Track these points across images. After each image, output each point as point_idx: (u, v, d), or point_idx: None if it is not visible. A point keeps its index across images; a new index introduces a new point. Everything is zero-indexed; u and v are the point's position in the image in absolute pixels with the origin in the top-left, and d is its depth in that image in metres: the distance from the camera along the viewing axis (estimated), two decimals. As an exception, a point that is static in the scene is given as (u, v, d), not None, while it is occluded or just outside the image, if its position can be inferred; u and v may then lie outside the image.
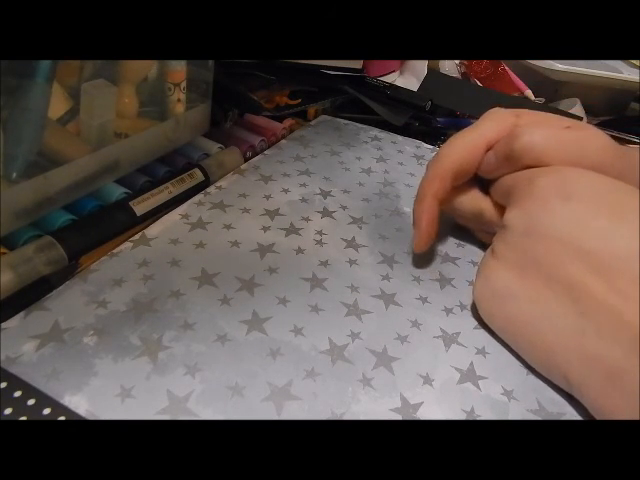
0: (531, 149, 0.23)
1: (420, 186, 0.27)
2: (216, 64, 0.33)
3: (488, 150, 0.25)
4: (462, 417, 0.19)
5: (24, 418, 0.17)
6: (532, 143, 0.23)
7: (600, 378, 0.18)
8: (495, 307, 0.22)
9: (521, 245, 0.21)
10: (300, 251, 0.27)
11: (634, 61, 0.55)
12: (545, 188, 0.21)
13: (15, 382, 0.18)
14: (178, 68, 0.30)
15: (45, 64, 0.22)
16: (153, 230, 0.27)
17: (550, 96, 0.54)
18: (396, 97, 0.44)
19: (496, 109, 0.27)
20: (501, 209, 0.25)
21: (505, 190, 0.24)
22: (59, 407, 0.18)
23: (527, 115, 0.25)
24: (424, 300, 0.25)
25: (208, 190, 0.31)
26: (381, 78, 0.48)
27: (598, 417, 0.19)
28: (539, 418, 0.20)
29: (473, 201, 0.27)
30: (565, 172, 0.22)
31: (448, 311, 0.24)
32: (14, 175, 0.23)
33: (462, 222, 0.29)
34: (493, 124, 0.26)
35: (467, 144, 0.26)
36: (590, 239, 0.19)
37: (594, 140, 0.23)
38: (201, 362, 0.20)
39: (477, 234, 0.29)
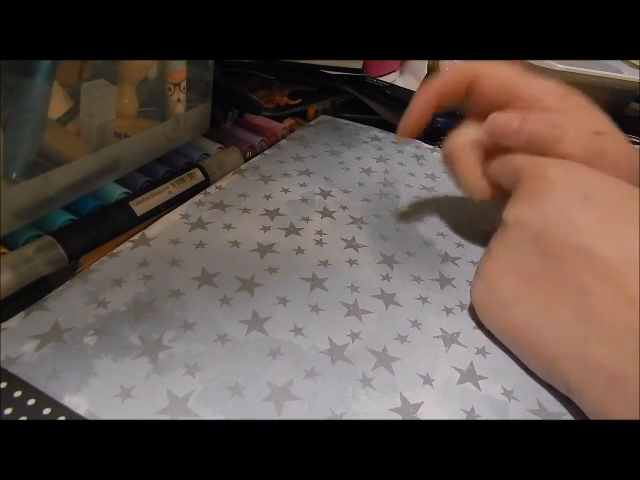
0: (557, 146, 0.22)
1: (432, 81, 0.27)
2: (216, 64, 0.34)
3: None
4: (462, 417, 0.19)
5: (24, 418, 0.17)
6: (562, 141, 0.22)
7: (602, 384, 0.18)
8: (497, 313, 0.22)
9: (531, 248, 0.21)
10: (300, 251, 0.27)
11: (634, 61, 0.54)
12: (559, 188, 0.21)
13: (15, 382, 0.18)
14: (178, 68, 0.30)
15: (45, 64, 0.22)
16: (153, 230, 0.27)
17: (550, 96, 0.53)
18: (396, 97, 0.44)
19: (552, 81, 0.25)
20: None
21: (511, 173, 0.23)
22: (59, 407, 0.18)
23: (572, 100, 0.24)
24: (424, 300, 0.25)
25: (208, 190, 0.31)
26: (381, 78, 0.48)
27: None
28: (539, 418, 0.20)
29: (475, 179, 0.26)
30: (580, 172, 0.21)
31: (448, 311, 0.24)
32: (14, 175, 0.23)
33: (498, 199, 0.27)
34: (539, 87, 0.25)
35: (505, 75, 0.25)
36: (605, 246, 0.19)
37: (614, 154, 0.23)
38: (201, 362, 0.20)
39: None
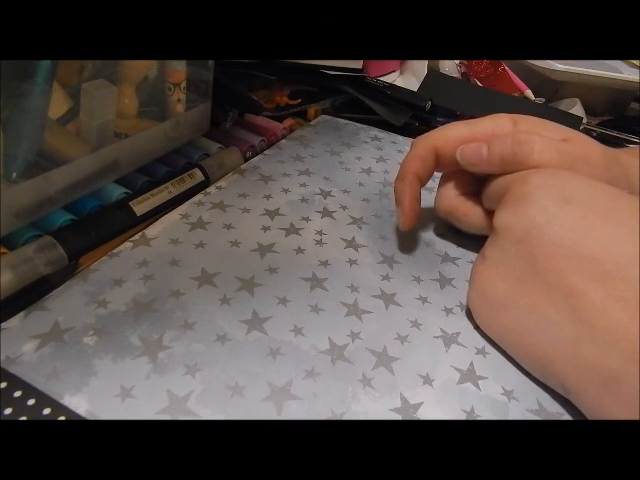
0: (530, 157, 0.23)
1: (402, 163, 0.27)
2: (216, 64, 0.33)
3: None
4: (462, 417, 0.19)
5: (24, 418, 0.17)
6: (532, 151, 0.23)
7: (596, 385, 0.18)
8: (491, 317, 0.22)
9: (517, 251, 0.21)
10: (300, 251, 0.27)
11: (634, 61, 0.55)
12: (541, 190, 0.21)
13: (15, 382, 0.18)
14: (178, 68, 0.30)
15: (45, 64, 0.22)
16: (153, 230, 0.27)
17: (550, 96, 0.54)
18: (396, 97, 0.44)
19: (498, 114, 0.27)
20: None
21: (498, 195, 0.24)
22: (59, 407, 0.18)
23: (525, 122, 0.26)
24: (424, 300, 0.25)
25: (208, 190, 0.31)
26: (381, 78, 0.48)
27: None
28: (539, 418, 0.20)
29: (479, 220, 0.27)
30: (561, 174, 0.21)
31: (448, 311, 0.24)
32: (14, 175, 0.23)
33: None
34: (489, 125, 0.26)
35: (457, 134, 0.26)
36: (590, 245, 0.19)
37: (586, 154, 0.23)
38: (201, 362, 0.20)
39: None
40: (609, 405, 0.18)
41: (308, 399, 0.19)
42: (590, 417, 0.19)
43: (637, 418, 0.17)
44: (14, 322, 0.20)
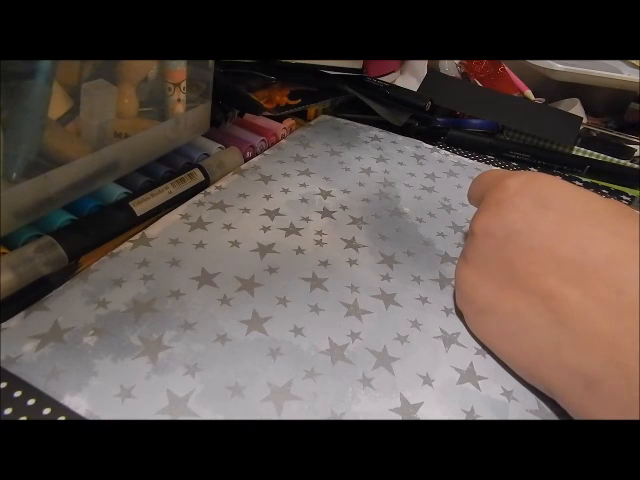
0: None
1: None
2: (216, 64, 0.33)
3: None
4: (462, 417, 0.19)
5: (24, 418, 0.17)
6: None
7: (579, 388, 0.18)
8: (478, 323, 0.22)
9: (497, 257, 0.21)
10: (300, 251, 0.27)
11: (634, 61, 0.55)
12: (519, 195, 0.21)
13: (15, 382, 0.18)
14: (178, 68, 0.30)
15: (45, 64, 0.22)
16: (153, 230, 0.27)
17: (550, 96, 0.54)
18: (396, 97, 0.44)
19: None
20: None
21: (478, 195, 0.25)
22: (59, 407, 0.18)
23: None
24: (424, 300, 0.25)
25: (208, 190, 0.31)
26: (381, 78, 0.48)
27: None
28: (539, 418, 0.20)
29: None
30: (539, 178, 0.22)
31: (448, 311, 0.24)
32: (14, 175, 0.23)
33: None
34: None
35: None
36: (566, 248, 0.19)
37: None
38: (201, 362, 0.20)
39: None
40: (592, 407, 0.18)
41: (308, 399, 0.19)
42: (576, 419, 0.19)
43: (620, 419, 0.17)
44: (14, 322, 0.20)
